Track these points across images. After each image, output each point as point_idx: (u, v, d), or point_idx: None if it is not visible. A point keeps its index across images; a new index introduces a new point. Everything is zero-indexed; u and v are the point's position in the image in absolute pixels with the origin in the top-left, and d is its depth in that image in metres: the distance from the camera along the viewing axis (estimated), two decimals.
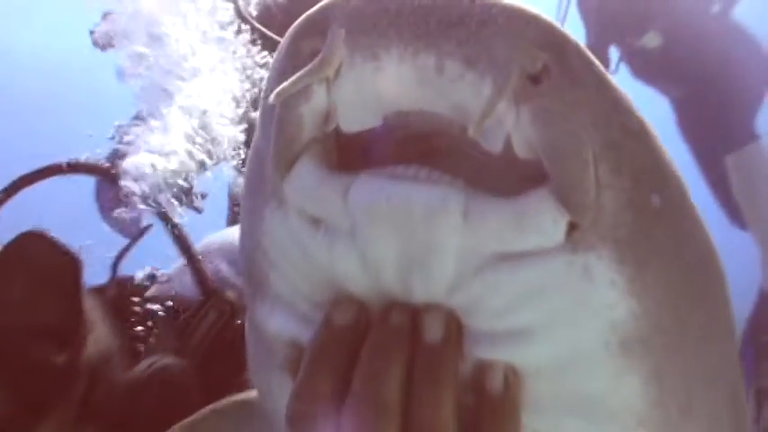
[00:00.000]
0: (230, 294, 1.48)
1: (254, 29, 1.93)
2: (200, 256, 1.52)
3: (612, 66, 3.59)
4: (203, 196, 2.05)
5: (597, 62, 0.55)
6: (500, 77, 0.50)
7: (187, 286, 1.50)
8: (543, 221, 0.51)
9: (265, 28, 2.00)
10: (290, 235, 0.59)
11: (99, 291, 1.40)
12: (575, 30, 3.56)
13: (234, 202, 2.31)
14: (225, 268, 1.68)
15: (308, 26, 0.58)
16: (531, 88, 0.51)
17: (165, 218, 1.55)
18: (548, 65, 0.51)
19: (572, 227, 0.52)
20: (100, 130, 1.88)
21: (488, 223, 0.51)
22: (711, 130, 3.58)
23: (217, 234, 1.90)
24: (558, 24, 0.54)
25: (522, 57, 0.51)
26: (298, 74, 0.54)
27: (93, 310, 1.28)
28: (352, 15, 0.54)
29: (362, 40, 0.53)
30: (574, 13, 3.76)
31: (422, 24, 0.52)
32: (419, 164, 0.54)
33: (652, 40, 3.43)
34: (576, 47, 0.54)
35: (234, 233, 1.89)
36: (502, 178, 0.54)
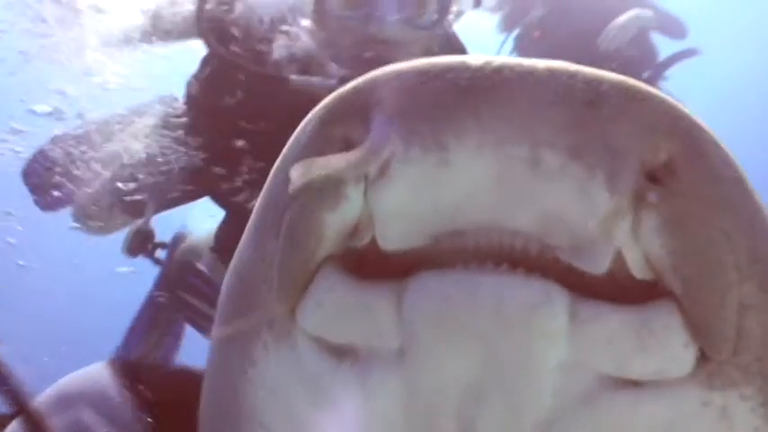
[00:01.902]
0: None
1: (210, 44, 1.85)
2: (48, 407, 1.20)
3: None
4: (163, 246, 1.95)
5: (732, 152, 0.42)
6: (620, 173, 0.37)
7: None
8: (671, 341, 0.40)
9: None
10: (296, 376, 0.46)
11: None
12: None
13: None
14: (89, 418, 1.36)
15: (343, 107, 0.43)
16: (649, 187, 0.39)
17: None
18: (673, 157, 0.40)
19: (704, 355, 0.42)
20: None
21: (603, 329, 0.40)
22: None
23: (78, 373, 1.55)
24: (682, 105, 0.42)
25: (642, 147, 0.39)
26: (332, 158, 0.39)
27: None
28: (407, 93, 0.39)
29: (423, 125, 0.39)
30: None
31: (508, 104, 0.38)
32: (494, 262, 0.41)
33: None
34: (708, 133, 0.41)
35: (101, 371, 1.58)
36: (600, 289, 0.41)
